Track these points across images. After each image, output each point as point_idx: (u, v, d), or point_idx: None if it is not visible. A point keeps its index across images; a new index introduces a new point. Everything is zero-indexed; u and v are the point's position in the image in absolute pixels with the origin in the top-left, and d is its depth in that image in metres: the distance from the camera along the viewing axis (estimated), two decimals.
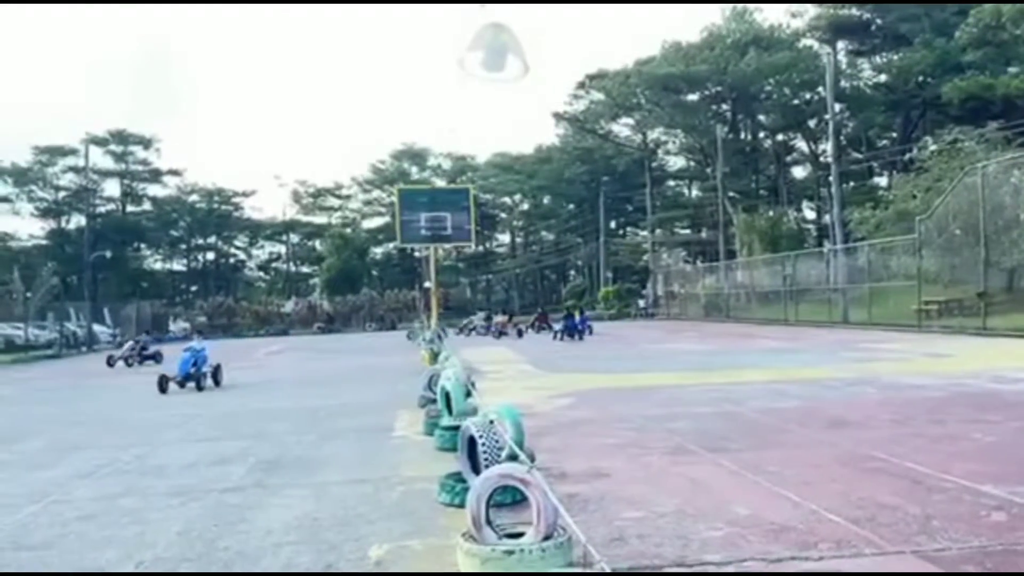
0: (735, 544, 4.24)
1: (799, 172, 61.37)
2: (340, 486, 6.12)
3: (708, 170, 56.46)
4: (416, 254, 61.00)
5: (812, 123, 52.39)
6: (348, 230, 70.04)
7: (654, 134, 61.37)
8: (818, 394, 10.23)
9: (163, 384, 13.82)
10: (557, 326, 27.90)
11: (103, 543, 4.81)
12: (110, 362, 21.57)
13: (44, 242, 63.05)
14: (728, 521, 4.64)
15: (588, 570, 3.60)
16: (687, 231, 66.09)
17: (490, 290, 76.40)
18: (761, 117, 55.92)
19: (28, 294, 35.00)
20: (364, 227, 72.86)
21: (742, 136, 58.18)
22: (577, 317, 27.16)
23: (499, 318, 33.73)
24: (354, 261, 62.06)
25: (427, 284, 31.98)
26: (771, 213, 43.45)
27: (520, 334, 30.08)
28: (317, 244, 72.91)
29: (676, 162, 67.48)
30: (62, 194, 62.92)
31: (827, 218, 48.98)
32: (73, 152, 59.86)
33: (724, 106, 54.54)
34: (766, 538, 4.31)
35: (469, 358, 16.90)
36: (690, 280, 46.08)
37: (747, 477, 5.79)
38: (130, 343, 22.89)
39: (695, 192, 67.33)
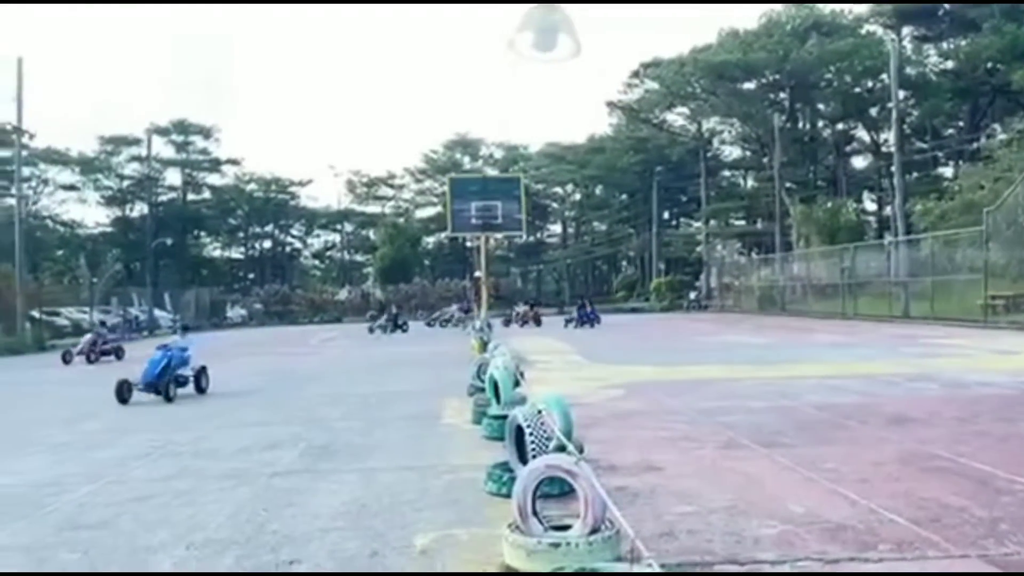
0: (790, 543, 4.10)
1: (859, 162, 59.69)
2: (388, 472, 6.13)
3: (764, 160, 55.34)
4: (467, 244, 61.21)
5: (874, 111, 50.81)
6: (401, 219, 70.67)
7: (709, 123, 60.30)
8: (878, 390, 9.91)
9: (122, 392, 10.82)
10: (566, 316, 31.44)
11: (156, 524, 4.90)
12: (66, 358, 19.20)
13: (109, 229, 65.03)
14: (782, 518, 4.50)
15: (636, 566, 3.51)
16: (742, 222, 64.83)
17: (541, 280, 76.29)
18: (820, 105, 54.45)
19: (94, 279, 36.24)
20: (417, 217, 73.43)
21: (800, 125, 56.78)
22: (588, 308, 30.43)
23: (521, 308, 34.51)
24: (407, 250, 62.52)
25: (477, 274, 32.04)
26: (830, 204, 42.28)
27: (539, 323, 31.74)
28: (371, 233, 73.65)
29: (731, 152, 66.27)
30: (126, 183, 64.69)
31: (888, 209, 47.68)
32: (137, 142, 61.58)
33: (782, 94, 53.24)
34: (822, 537, 4.16)
35: (518, 348, 16.88)
36: (744, 272, 45.34)
37: (802, 473, 5.62)
38: (89, 336, 20.21)
39: (751, 182, 66.04)
